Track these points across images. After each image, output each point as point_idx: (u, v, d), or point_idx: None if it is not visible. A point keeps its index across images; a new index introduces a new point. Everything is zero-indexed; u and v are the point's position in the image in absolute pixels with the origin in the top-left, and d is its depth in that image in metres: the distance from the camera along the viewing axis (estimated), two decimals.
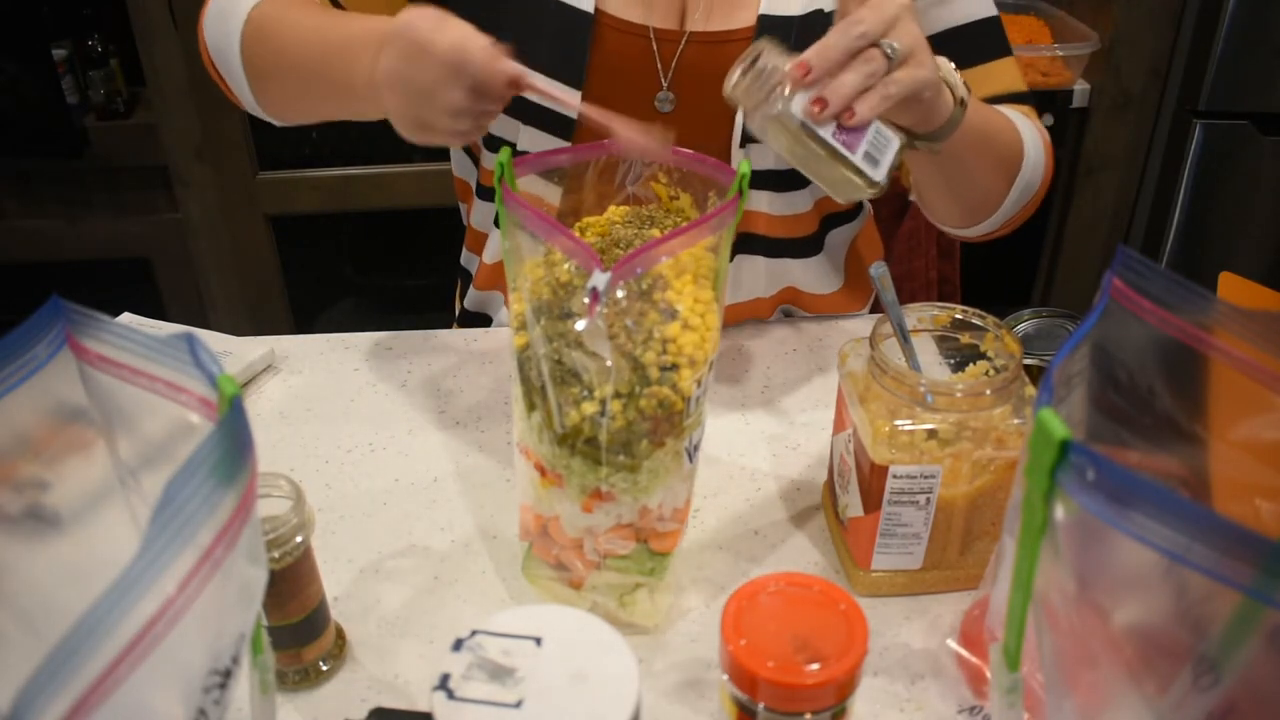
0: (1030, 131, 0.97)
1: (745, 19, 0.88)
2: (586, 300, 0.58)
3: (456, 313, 1.18)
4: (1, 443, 0.46)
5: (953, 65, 0.81)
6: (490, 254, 1.06)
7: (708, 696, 0.65)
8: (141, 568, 0.34)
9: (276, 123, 0.93)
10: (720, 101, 0.83)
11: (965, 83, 0.81)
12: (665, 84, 0.89)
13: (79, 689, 0.32)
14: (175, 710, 0.38)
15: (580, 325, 0.60)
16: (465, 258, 1.15)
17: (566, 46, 0.87)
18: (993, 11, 0.97)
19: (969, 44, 0.97)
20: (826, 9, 0.88)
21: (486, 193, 1.04)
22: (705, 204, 0.69)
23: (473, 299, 1.11)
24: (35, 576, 0.48)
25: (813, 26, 0.88)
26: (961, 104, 0.79)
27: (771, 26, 0.88)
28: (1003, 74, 1.00)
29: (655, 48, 0.88)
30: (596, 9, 0.87)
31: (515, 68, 0.69)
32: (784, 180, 0.96)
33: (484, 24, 0.85)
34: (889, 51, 0.70)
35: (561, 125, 0.90)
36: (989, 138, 0.90)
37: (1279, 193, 1.96)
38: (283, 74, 0.86)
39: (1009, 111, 0.97)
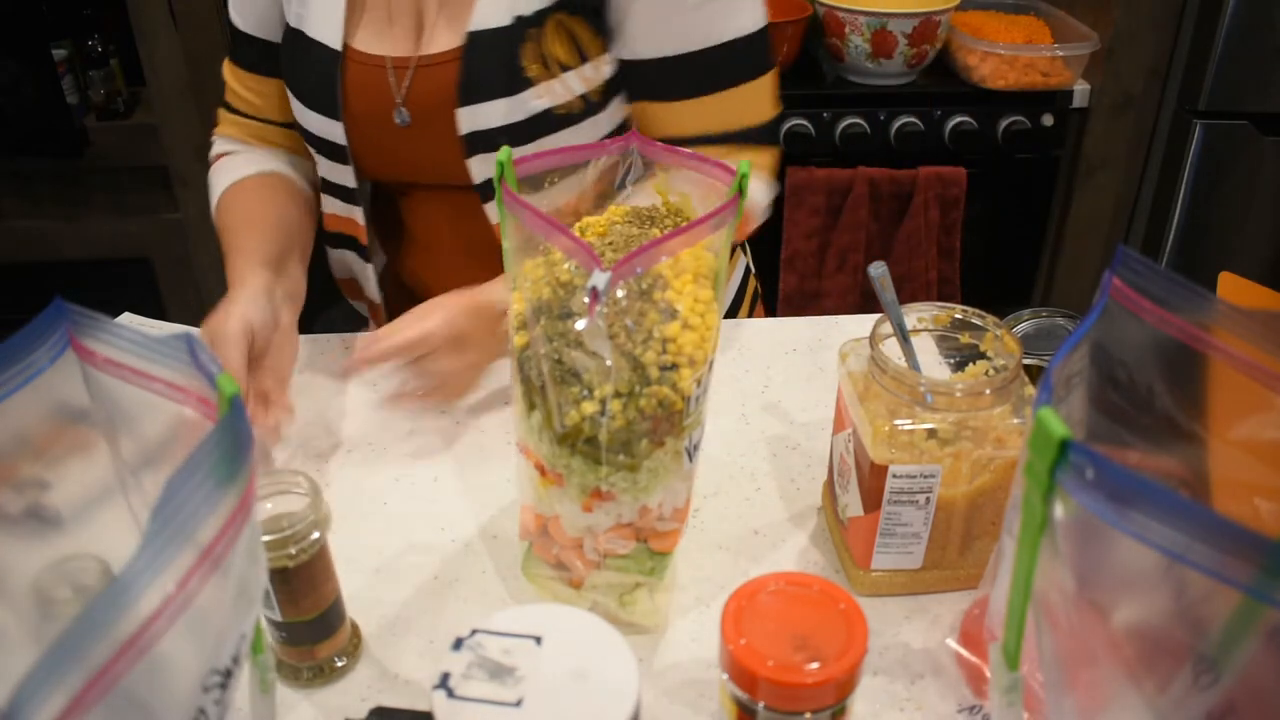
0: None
1: (456, 39, 0.92)
2: (586, 300, 0.58)
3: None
4: (3, 444, 0.46)
5: None
6: (338, 270, 1.13)
7: (708, 696, 0.65)
8: (141, 566, 0.34)
9: None
10: (446, 117, 0.91)
11: None
12: (399, 102, 0.95)
13: (76, 686, 0.32)
14: (174, 709, 0.38)
15: (580, 325, 0.60)
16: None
17: (323, 81, 0.96)
18: (756, 25, 0.91)
19: (683, 76, 0.91)
20: (526, 13, 0.90)
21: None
22: (705, 204, 0.68)
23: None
24: (36, 575, 0.48)
25: (516, 34, 0.90)
26: None
27: (481, 41, 0.91)
28: (727, 108, 0.92)
29: (390, 76, 0.95)
30: (345, 46, 0.95)
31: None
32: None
33: (285, 69, 0.98)
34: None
35: (336, 152, 0.99)
36: None
37: (1279, 193, 1.96)
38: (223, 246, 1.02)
39: None
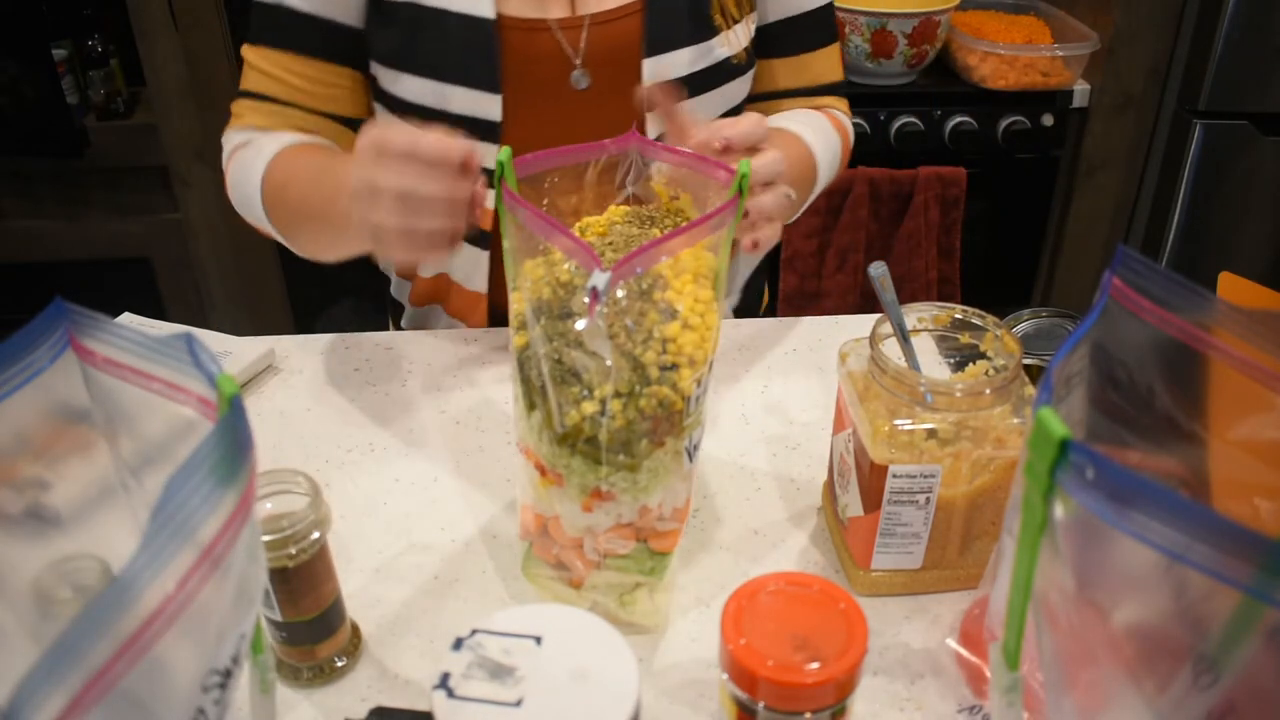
0: (827, 143, 1.03)
1: None
2: (586, 300, 0.58)
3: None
4: (3, 444, 0.46)
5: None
6: (427, 267, 1.05)
7: (708, 696, 0.65)
8: (141, 566, 0.34)
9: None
10: (628, 72, 0.90)
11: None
12: (578, 63, 0.93)
13: (76, 686, 0.32)
14: (174, 709, 0.38)
15: (580, 325, 0.60)
16: (396, 286, 1.13)
17: (478, 55, 0.90)
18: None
19: (802, 33, 1.04)
20: None
21: None
22: (705, 204, 0.69)
23: (410, 318, 1.11)
24: (36, 575, 0.48)
25: None
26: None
27: None
28: (822, 64, 1.06)
29: (560, 37, 0.92)
30: (497, 14, 0.89)
31: (464, 144, 0.70)
32: None
33: (403, 47, 0.91)
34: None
35: (487, 130, 0.93)
36: (798, 196, 0.96)
37: (1279, 193, 1.96)
38: (301, 228, 0.91)
39: (811, 124, 1.02)
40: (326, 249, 0.90)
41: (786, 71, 1.05)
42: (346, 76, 0.96)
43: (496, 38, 0.89)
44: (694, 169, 0.69)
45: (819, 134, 1.02)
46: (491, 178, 0.92)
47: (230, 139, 0.98)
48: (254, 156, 0.93)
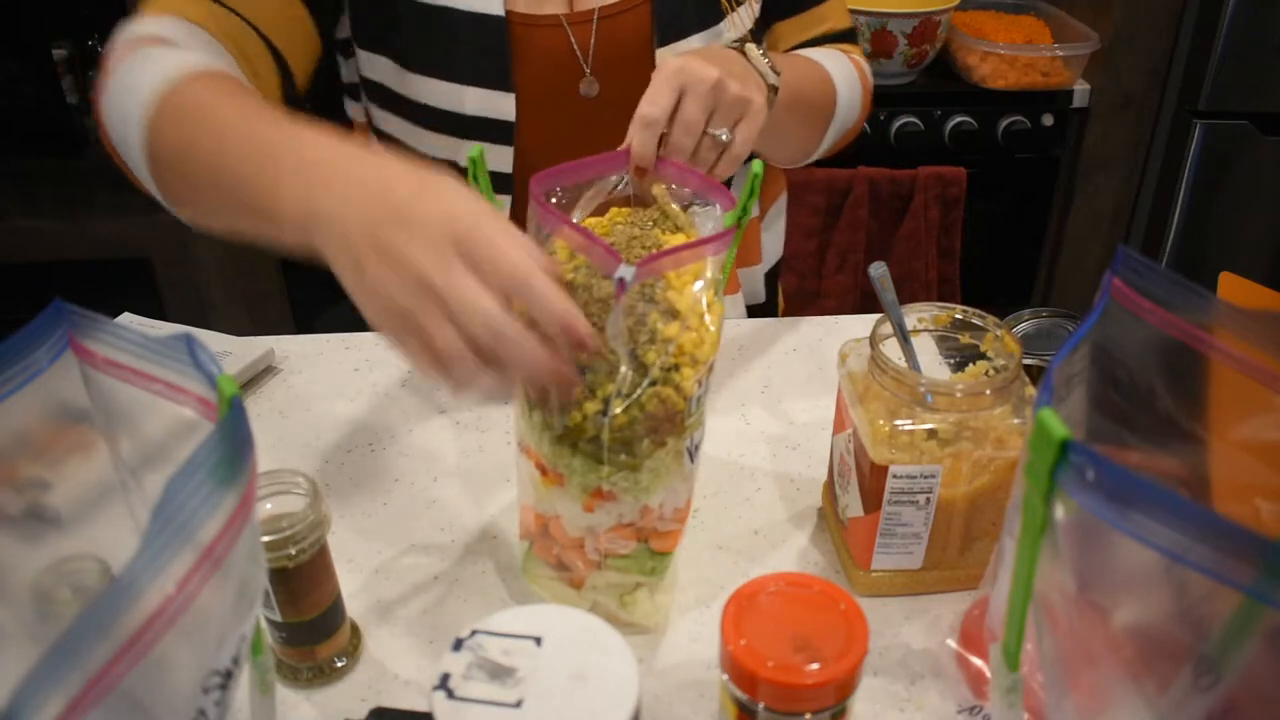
0: (845, 72, 0.99)
1: None
2: (614, 290, 0.58)
3: None
4: (3, 444, 0.46)
5: (763, 55, 0.81)
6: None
7: (708, 696, 0.65)
8: (141, 566, 0.34)
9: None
10: (638, 78, 0.78)
11: (772, 65, 0.81)
12: (588, 69, 0.90)
13: (75, 686, 0.32)
14: (174, 710, 0.38)
15: (610, 318, 0.60)
16: None
17: (488, 54, 0.88)
18: None
19: None
20: None
21: None
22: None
23: None
24: (36, 575, 0.48)
25: None
26: (773, 90, 0.80)
27: None
28: (833, 12, 1.04)
29: (570, 33, 0.89)
30: (506, 10, 0.87)
31: (584, 323, 0.54)
32: None
33: (411, 45, 0.87)
34: (722, 139, 0.73)
35: (502, 131, 0.90)
36: (800, 104, 0.91)
37: (1279, 193, 1.96)
38: (201, 195, 0.70)
39: (825, 54, 0.99)
40: (227, 226, 0.68)
41: (795, 29, 1.02)
42: (302, 10, 0.85)
43: (507, 35, 0.88)
44: (697, 189, 0.69)
45: (834, 60, 0.98)
46: (507, 181, 0.91)
47: (138, 26, 0.76)
48: (153, 66, 0.70)
